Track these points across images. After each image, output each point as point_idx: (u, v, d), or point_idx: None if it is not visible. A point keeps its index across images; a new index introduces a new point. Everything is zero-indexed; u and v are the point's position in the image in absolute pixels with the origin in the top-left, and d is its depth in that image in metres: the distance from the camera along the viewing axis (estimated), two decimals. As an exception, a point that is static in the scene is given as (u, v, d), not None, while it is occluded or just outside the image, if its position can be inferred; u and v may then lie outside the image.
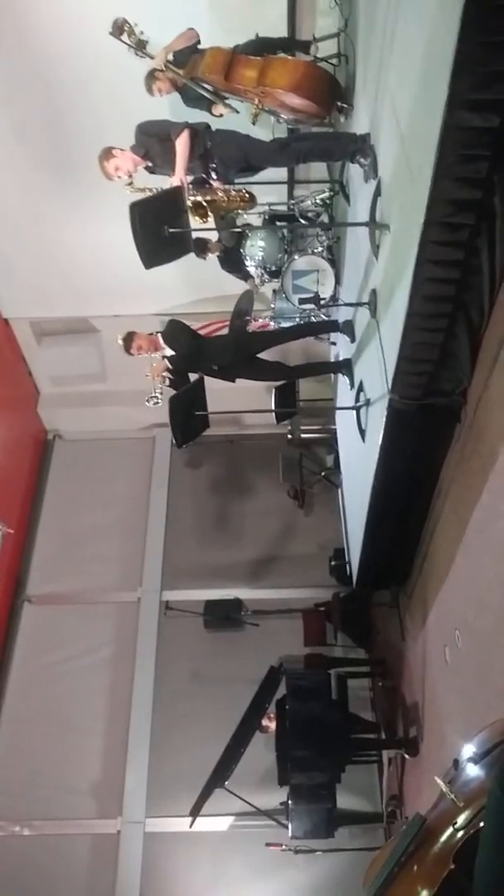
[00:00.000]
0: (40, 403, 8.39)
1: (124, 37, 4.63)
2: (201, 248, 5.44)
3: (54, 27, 5.39)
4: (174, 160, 4.63)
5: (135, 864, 5.95)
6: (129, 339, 5.06)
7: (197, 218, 4.76)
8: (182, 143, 4.59)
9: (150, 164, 4.81)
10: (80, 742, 6.48)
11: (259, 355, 5.34)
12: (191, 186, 4.81)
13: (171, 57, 4.72)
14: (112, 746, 6.45)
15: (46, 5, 5.31)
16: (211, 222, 5.02)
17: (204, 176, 4.92)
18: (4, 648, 7.02)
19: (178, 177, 4.62)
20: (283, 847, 5.10)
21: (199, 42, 4.78)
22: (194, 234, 4.79)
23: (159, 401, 4.97)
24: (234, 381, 5.27)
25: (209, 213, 4.78)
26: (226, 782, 5.00)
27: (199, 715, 6.30)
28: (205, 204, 4.75)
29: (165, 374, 5.02)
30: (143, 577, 7.35)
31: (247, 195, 5.01)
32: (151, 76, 4.76)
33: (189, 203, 4.66)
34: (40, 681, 6.81)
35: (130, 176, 4.77)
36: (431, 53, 2.70)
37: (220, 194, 4.82)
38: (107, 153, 4.72)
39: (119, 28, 4.60)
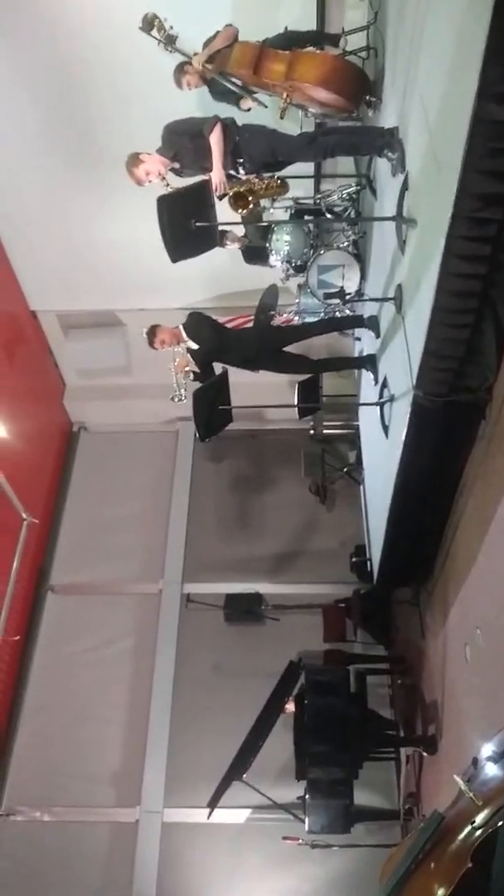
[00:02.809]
0: (66, 396, 8.47)
1: (154, 32, 4.64)
2: (220, 236, 5.43)
3: (82, 25, 5.42)
4: (209, 156, 4.61)
5: (152, 853, 6.00)
6: (152, 332, 5.08)
7: (239, 209, 4.72)
8: (217, 137, 4.58)
9: (176, 167, 4.76)
10: (101, 731, 6.56)
11: (283, 349, 5.33)
12: (230, 180, 4.77)
13: (194, 48, 4.71)
14: (132, 736, 6.52)
15: (76, 3, 5.33)
16: (240, 215, 5.00)
17: (232, 172, 4.91)
18: (28, 637, 7.11)
19: (217, 172, 4.60)
20: (300, 841, 5.11)
21: (236, 39, 4.77)
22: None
23: (183, 398, 4.98)
24: (256, 372, 5.26)
25: (251, 202, 4.73)
26: (244, 775, 5.03)
27: (218, 707, 6.34)
28: (245, 192, 4.71)
29: (189, 368, 5.02)
30: (164, 569, 7.40)
31: (279, 181, 4.99)
32: (181, 70, 4.76)
33: (230, 194, 4.63)
34: (62, 670, 6.90)
35: (164, 178, 4.72)
36: (461, 46, 2.67)
37: (256, 182, 4.79)
38: (134, 159, 4.68)
39: (149, 23, 4.61)
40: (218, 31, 4.78)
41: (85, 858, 6.06)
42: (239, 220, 5.15)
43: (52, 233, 6.83)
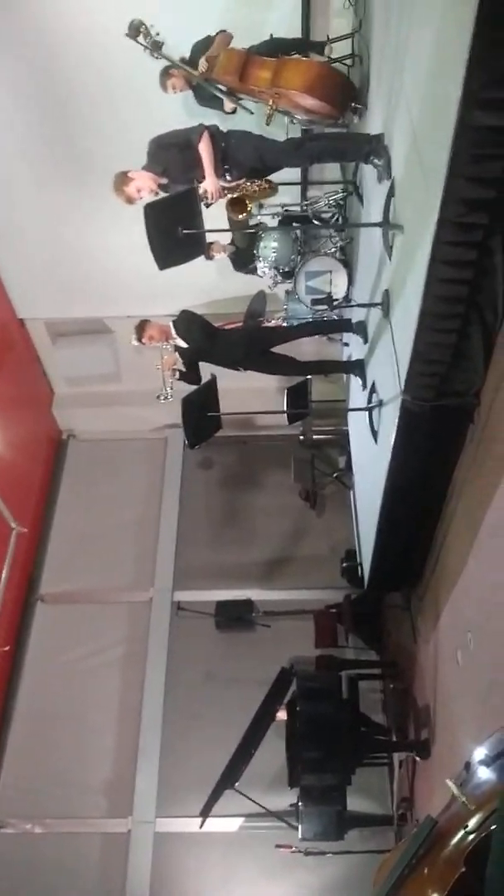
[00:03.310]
0: (55, 403, 8.44)
1: (140, 38, 4.65)
2: (206, 248, 5.44)
3: (74, 31, 5.44)
4: (198, 167, 4.61)
5: (145, 863, 5.95)
6: (141, 327, 5.08)
7: (237, 214, 4.72)
8: (206, 146, 4.57)
9: (164, 182, 4.74)
10: (92, 741, 6.50)
11: (271, 349, 5.34)
12: (224, 187, 4.77)
13: (179, 54, 4.73)
14: (123, 746, 6.46)
15: (67, 12, 5.34)
16: (224, 223, 5.02)
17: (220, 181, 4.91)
18: (17, 647, 7.06)
19: (211, 179, 4.60)
20: (293, 849, 5.08)
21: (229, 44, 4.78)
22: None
23: (170, 397, 4.97)
24: (243, 372, 5.25)
25: (248, 205, 4.73)
26: (236, 783, 5.00)
27: (209, 715, 6.30)
28: (242, 198, 4.71)
29: (176, 367, 5.02)
30: (155, 577, 7.36)
31: (268, 183, 5.00)
32: (166, 73, 4.79)
33: (227, 201, 4.64)
34: (52, 679, 6.84)
35: (157, 193, 4.69)
36: (445, 52, 2.69)
37: (248, 185, 4.80)
38: (123, 178, 4.65)
39: (135, 30, 4.62)
40: (209, 36, 4.80)
41: (77, 870, 6.00)
42: (226, 227, 5.17)
43: (39, 241, 6.82)
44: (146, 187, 4.66)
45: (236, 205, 4.70)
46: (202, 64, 4.68)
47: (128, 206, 4.72)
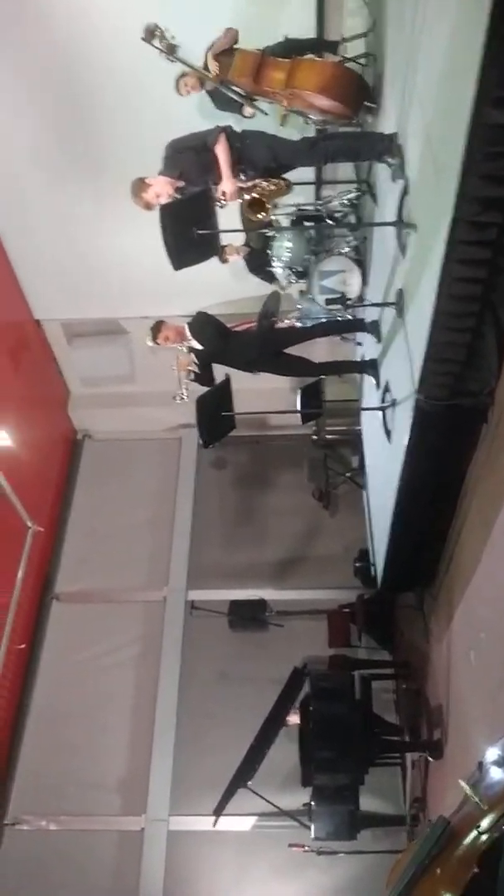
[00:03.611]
0: (70, 404, 8.49)
1: (155, 41, 4.68)
2: (220, 252, 5.46)
3: (88, 33, 5.47)
4: (215, 169, 4.62)
5: (158, 861, 5.98)
6: (156, 328, 5.10)
7: (256, 214, 4.72)
8: (223, 148, 4.58)
9: (181, 185, 4.73)
10: (106, 739, 6.54)
11: (285, 351, 5.35)
12: (241, 189, 4.78)
13: (197, 59, 4.75)
14: (137, 744, 6.50)
15: (81, 13, 5.38)
16: (238, 223, 5.03)
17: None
18: (33, 645, 7.11)
19: (228, 181, 4.61)
20: (306, 848, 5.08)
21: (236, 42, 4.79)
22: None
23: (185, 397, 4.99)
24: (256, 374, 5.26)
25: (267, 205, 4.73)
26: (249, 782, 5.01)
27: (223, 714, 6.32)
28: (260, 198, 4.71)
29: (191, 367, 5.03)
30: (169, 576, 7.39)
31: (283, 182, 5.01)
32: (181, 75, 4.80)
33: (246, 201, 4.64)
34: (67, 678, 6.88)
35: (174, 198, 4.70)
36: (459, 51, 2.69)
37: (264, 184, 4.80)
38: (141, 184, 4.65)
39: (150, 33, 4.65)
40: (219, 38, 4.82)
41: (91, 867, 6.04)
42: (240, 227, 5.19)
43: (55, 242, 6.87)
44: (164, 192, 4.66)
45: (255, 205, 4.71)
46: (212, 64, 4.68)
47: (146, 211, 4.73)
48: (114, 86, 5.75)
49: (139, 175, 4.74)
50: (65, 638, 7.16)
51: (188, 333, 5.08)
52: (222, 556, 7.44)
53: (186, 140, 4.71)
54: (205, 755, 6.17)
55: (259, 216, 4.74)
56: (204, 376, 5.15)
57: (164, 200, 4.67)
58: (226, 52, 4.79)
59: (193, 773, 6.18)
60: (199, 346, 5.09)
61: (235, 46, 4.79)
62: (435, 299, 3.14)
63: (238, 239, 5.52)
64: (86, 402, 8.44)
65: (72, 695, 6.78)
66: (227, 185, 4.62)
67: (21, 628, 6.85)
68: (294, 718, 5.30)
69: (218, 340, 5.15)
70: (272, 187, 4.87)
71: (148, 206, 4.70)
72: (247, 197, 4.70)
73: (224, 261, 5.57)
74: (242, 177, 4.89)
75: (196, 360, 5.06)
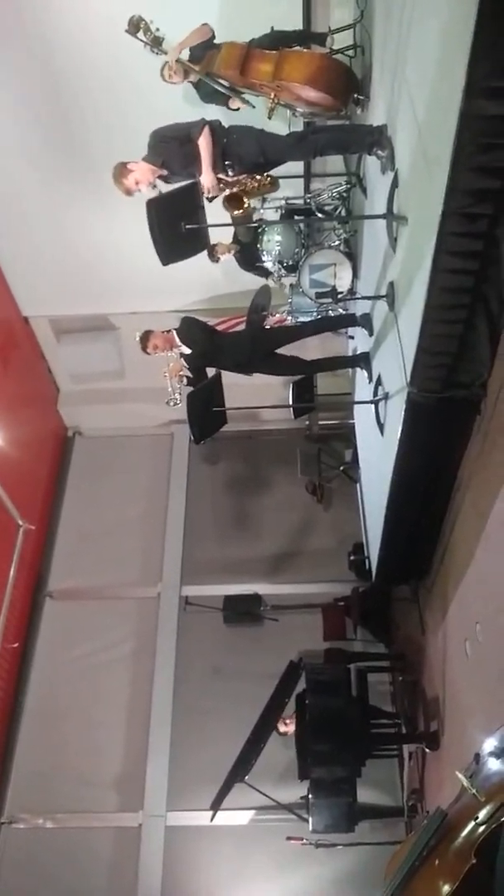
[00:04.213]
0: (60, 401, 8.45)
1: (140, 34, 4.63)
2: (210, 251, 5.43)
3: (75, 27, 5.41)
4: (198, 161, 4.59)
5: (156, 857, 5.98)
6: (145, 338, 5.07)
7: (234, 210, 4.70)
8: (205, 141, 4.54)
9: (164, 174, 4.72)
10: (102, 736, 6.53)
11: (276, 350, 5.33)
12: (220, 182, 4.75)
13: (186, 53, 4.71)
14: (133, 740, 6.50)
15: (69, 10, 5.33)
16: (227, 217, 5.00)
17: (221, 175, 4.90)
18: (26, 643, 7.09)
19: (208, 174, 4.58)
20: (304, 841, 5.11)
21: (213, 37, 4.76)
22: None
23: (179, 402, 4.96)
24: (250, 375, 5.26)
25: (245, 201, 4.71)
26: (246, 776, 5.02)
27: (219, 709, 6.32)
28: (240, 194, 4.69)
29: (182, 373, 5.01)
30: (162, 572, 7.38)
31: (269, 179, 4.98)
32: (166, 64, 4.76)
33: (224, 197, 4.62)
34: (62, 675, 6.87)
35: (155, 186, 4.68)
36: (448, 42, 2.67)
37: (248, 182, 4.78)
38: (122, 169, 4.61)
39: (135, 25, 4.60)
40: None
41: (88, 864, 6.04)
42: (229, 221, 5.16)
43: (43, 238, 6.81)
44: (144, 179, 4.62)
45: (232, 201, 4.69)
46: (173, 51, 4.61)
47: (126, 197, 4.70)
48: (100, 79, 5.70)
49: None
50: (58, 636, 7.14)
51: (177, 340, 5.05)
52: (216, 551, 7.43)
53: (171, 130, 4.67)
54: (201, 750, 6.18)
55: (235, 213, 4.72)
56: (197, 380, 5.12)
57: (143, 188, 4.63)
58: (209, 44, 4.75)
59: (190, 769, 6.19)
60: (188, 351, 5.06)
61: (218, 40, 4.75)
62: (426, 291, 3.13)
63: (227, 235, 5.49)
64: (75, 399, 8.40)
65: (66, 692, 6.77)
66: (206, 178, 4.58)
67: (14, 627, 6.83)
68: (290, 728, 5.29)
69: (207, 344, 5.12)
70: (254, 184, 4.85)
71: (128, 192, 4.67)
72: (225, 192, 4.68)
73: (215, 260, 5.55)
74: (230, 172, 4.86)
75: (187, 365, 5.03)
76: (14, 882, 5.97)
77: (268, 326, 5.88)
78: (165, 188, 4.75)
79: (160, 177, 4.73)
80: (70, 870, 5.99)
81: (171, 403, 4.96)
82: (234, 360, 5.18)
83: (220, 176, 4.81)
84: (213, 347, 5.14)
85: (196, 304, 7.02)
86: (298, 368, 5.58)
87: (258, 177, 4.95)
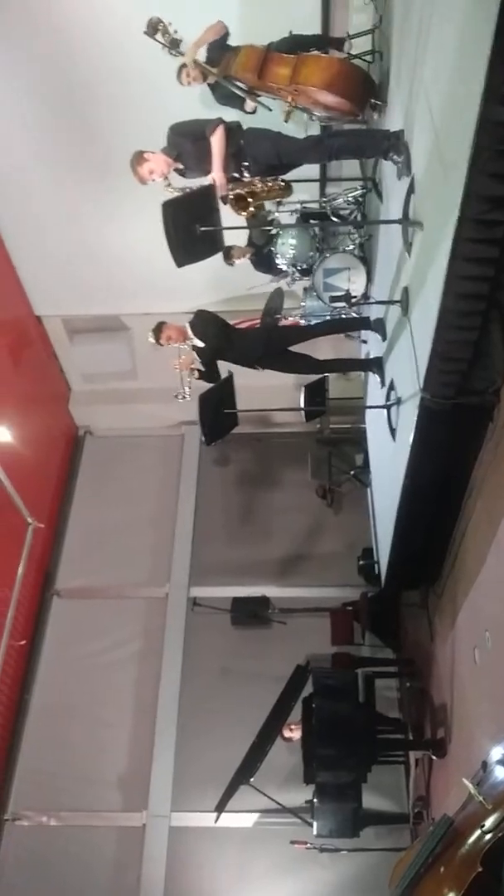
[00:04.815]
0: (72, 400, 8.49)
1: (158, 36, 4.65)
2: (226, 255, 5.44)
3: (92, 28, 5.45)
4: (210, 158, 4.62)
5: (159, 857, 5.98)
6: (158, 329, 5.09)
7: (240, 211, 4.72)
8: (218, 140, 4.57)
9: (180, 167, 4.77)
10: (108, 735, 6.55)
11: (289, 349, 5.34)
12: (229, 183, 4.78)
13: (202, 55, 4.73)
14: (139, 740, 6.50)
15: (83, 9, 5.35)
16: (243, 218, 5.00)
17: (236, 175, 4.92)
18: (33, 641, 7.11)
19: (217, 173, 4.60)
20: (308, 845, 5.10)
21: (228, 35, 4.76)
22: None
23: (187, 396, 4.98)
24: (261, 370, 5.24)
25: (251, 205, 4.73)
26: (251, 779, 5.01)
27: (225, 711, 6.32)
28: (245, 195, 4.71)
29: (194, 366, 5.02)
30: (171, 573, 7.39)
31: (282, 184, 4.99)
32: (183, 66, 4.78)
33: (231, 196, 4.63)
34: (69, 674, 6.89)
35: (166, 178, 4.73)
36: (467, 48, 2.67)
37: (258, 184, 4.80)
38: (139, 157, 4.67)
39: (153, 27, 4.62)
40: (226, 34, 4.78)
41: (92, 863, 6.04)
42: (244, 224, 5.16)
43: (57, 238, 6.85)
44: (158, 170, 4.66)
45: (239, 201, 4.70)
46: (190, 51, 4.63)
47: (142, 191, 4.73)
48: (117, 80, 5.73)
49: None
50: (65, 634, 7.16)
51: (190, 332, 5.06)
52: (225, 552, 7.43)
53: (187, 125, 4.72)
54: (206, 752, 6.18)
55: (241, 214, 4.74)
56: (209, 374, 5.14)
57: (157, 178, 4.68)
58: (227, 47, 4.76)
59: (195, 770, 6.19)
60: (201, 345, 5.07)
61: (237, 43, 4.76)
62: (441, 297, 3.13)
63: (242, 238, 5.50)
64: (87, 399, 8.43)
65: (73, 691, 6.78)
66: (217, 175, 4.60)
67: (21, 625, 6.86)
68: (294, 734, 5.28)
69: (221, 338, 5.13)
70: (265, 187, 4.86)
71: (142, 181, 4.71)
72: (234, 192, 4.69)
73: (230, 264, 5.56)
74: (246, 173, 4.88)
75: (199, 358, 5.04)
76: (17, 879, 5.99)
77: (281, 326, 5.89)
78: (180, 182, 4.78)
79: (177, 171, 4.77)
80: (73, 868, 6.00)
81: (180, 397, 4.97)
82: (247, 356, 5.18)
83: (235, 175, 4.84)
84: (226, 342, 5.15)
85: (210, 305, 6.96)
86: (310, 367, 5.58)
87: (269, 181, 4.96)
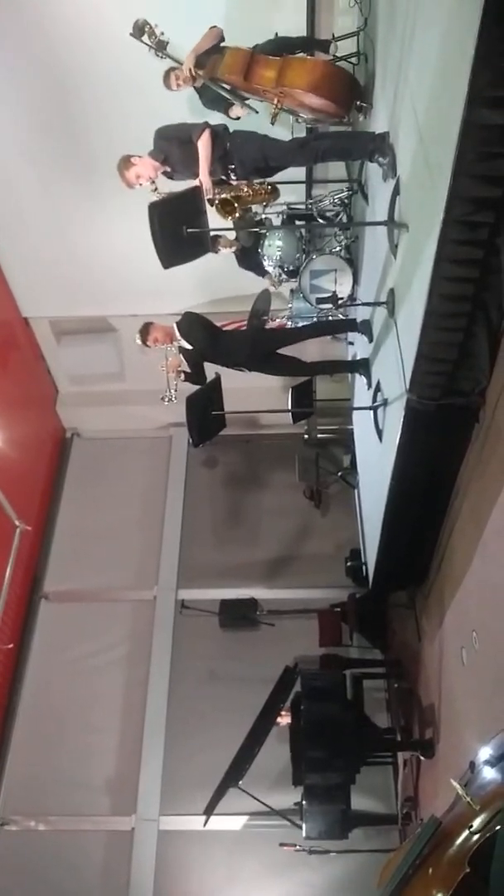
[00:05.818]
0: (59, 402, 8.45)
1: (145, 38, 4.65)
2: (212, 241, 5.43)
3: (79, 30, 5.43)
4: (196, 162, 4.62)
5: (148, 861, 5.96)
6: (145, 330, 5.08)
7: (226, 215, 4.73)
8: (204, 144, 4.57)
9: (168, 170, 4.78)
10: (96, 739, 6.51)
11: (276, 351, 5.34)
12: (216, 186, 4.78)
13: (190, 59, 4.72)
14: (127, 744, 6.47)
15: (72, 11, 5.34)
16: (230, 222, 5.01)
17: (223, 178, 4.92)
18: (21, 645, 7.07)
19: (203, 177, 4.61)
20: (297, 847, 5.09)
21: (222, 40, 4.78)
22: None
23: (174, 398, 4.97)
24: (248, 372, 5.24)
25: (237, 209, 4.75)
26: (240, 781, 5.00)
27: (213, 714, 6.31)
28: (231, 199, 4.72)
29: (180, 368, 5.02)
30: (159, 575, 7.37)
31: (269, 187, 5.00)
32: (170, 69, 4.78)
33: (217, 200, 4.64)
34: (56, 677, 6.85)
35: (153, 182, 4.73)
36: (451, 50, 2.68)
37: (245, 189, 4.81)
38: (126, 162, 4.68)
39: (140, 29, 4.62)
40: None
41: (80, 868, 6.01)
42: (231, 226, 5.16)
43: (43, 239, 6.82)
44: (145, 174, 4.68)
45: (225, 205, 4.71)
46: (188, 63, 4.65)
47: (129, 193, 4.75)
48: (104, 82, 5.71)
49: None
50: (53, 638, 7.12)
51: (177, 334, 5.05)
52: (213, 555, 7.42)
53: (173, 129, 4.73)
54: (195, 755, 6.16)
55: (227, 218, 4.75)
56: (195, 376, 5.13)
57: (144, 182, 4.70)
58: (213, 49, 4.77)
59: (183, 773, 6.17)
60: (188, 346, 5.07)
61: (223, 45, 4.76)
62: (426, 299, 3.14)
63: (231, 233, 5.51)
64: (74, 401, 8.40)
65: (61, 694, 6.75)
66: (203, 179, 4.61)
67: (9, 628, 6.82)
68: (285, 718, 5.29)
69: (208, 340, 5.13)
70: (250, 191, 4.87)
71: (129, 185, 4.74)
72: (220, 196, 4.70)
73: (216, 251, 5.55)
74: (232, 176, 4.88)
75: (186, 360, 5.04)
76: (5, 884, 5.94)
77: (268, 328, 5.89)
78: (167, 186, 4.77)
79: (165, 173, 4.77)
80: (62, 872, 5.96)
81: (166, 399, 4.96)
82: (234, 358, 5.18)
83: (223, 178, 4.84)
84: (213, 344, 5.15)
85: (196, 307, 6.97)
86: (297, 369, 5.58)
87: (256, 185, 4.96)
